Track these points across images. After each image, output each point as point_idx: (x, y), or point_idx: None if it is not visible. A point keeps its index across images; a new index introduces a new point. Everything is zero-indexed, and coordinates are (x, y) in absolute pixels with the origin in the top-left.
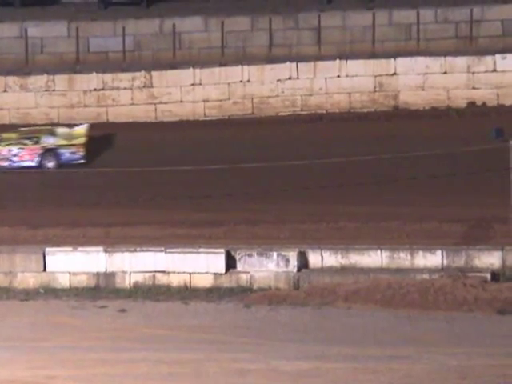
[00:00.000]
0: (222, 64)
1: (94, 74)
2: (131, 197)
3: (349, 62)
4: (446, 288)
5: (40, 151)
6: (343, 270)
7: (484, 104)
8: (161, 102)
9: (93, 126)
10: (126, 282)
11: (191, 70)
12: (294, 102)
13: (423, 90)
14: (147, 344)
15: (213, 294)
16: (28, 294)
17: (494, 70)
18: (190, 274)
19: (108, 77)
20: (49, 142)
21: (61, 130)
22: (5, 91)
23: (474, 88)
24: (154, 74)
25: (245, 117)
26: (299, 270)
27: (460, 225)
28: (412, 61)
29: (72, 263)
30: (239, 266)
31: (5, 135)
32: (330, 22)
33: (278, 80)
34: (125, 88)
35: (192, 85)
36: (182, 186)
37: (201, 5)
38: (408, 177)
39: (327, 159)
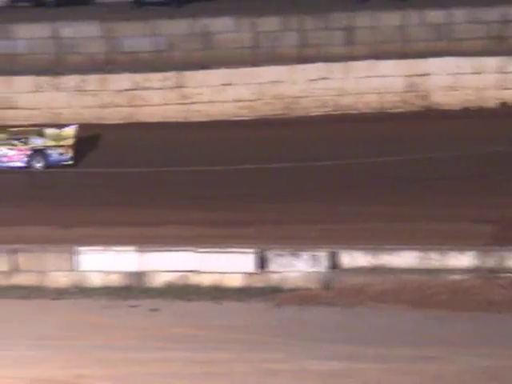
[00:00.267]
0: (253, 64)
1: (126, 74)
2: (161, 197)
3: (380, 62)
4: (475, 289)
5: (28, 152)
6: (373, 270)
7: None
8: (192, 102)
9: (122, 126)
10: (158, 282)
11: (222, 70)
12: (324, 102)
13: (454, 90)
14: (178, 343)
15: (243, 293)
16: (59, 293)
17: None
18: (221, 273)
19: (139, 77)
20: (37, 142)
21: (49, 131)
22: (37, 91)
23: (505, 88)
24: (185, 74)
25: (276, 117)
26: (329, 270)
27: (491, 225)
28: (443, 61)
29: (104, 262)
30: (270, 266)
31: None
32: (361, 22)
33: (309, 80)
34: (156, 88)
35: (223, 85)
36: (213, 185)
37: (232, 5)
38: (438, 177)
39: (357, 159)
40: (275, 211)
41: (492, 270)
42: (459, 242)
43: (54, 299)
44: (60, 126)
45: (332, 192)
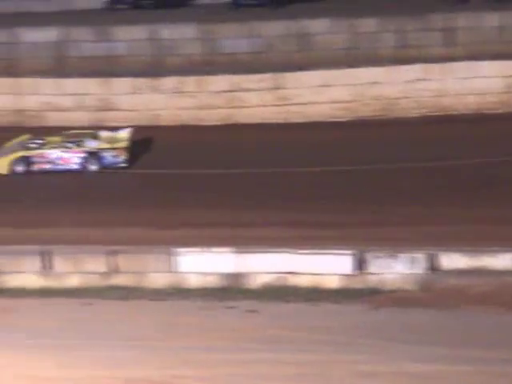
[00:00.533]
0: (350, 65)
1: (224, 75)
2: (257, 198)
3: (478, 63)
4: None
5: (83, 154)
6: (472, 272)
7: None
8: (290, 104)
9: (220, 127)
10: (255, 283)
11: (320, 71)
12: (423, 103)
13: None
14: (275, 345)
15: (341, 295)
16: (157, 294)
17: None
18: (319, 275)
19: (237, 78)
20: (91, 145)
21: (104, 134)
22: (135, 93)
23: None
24: (283, 75)
25: (373, 118)
26: (428, 271)
27: None
28: None
29: (201, 264)
30: (367, 268)
31: (49, 139)
32: (460, 22)
33: (408, 81)
34: (254, 89)
35: (320, 86)
36: (308, 186)
37: (329, 6)
38: None
39: (455, 161)
40: (371, 212)
41: None
42: None
43: (151, 300)
44: (115, 129)
45: (429, 193)
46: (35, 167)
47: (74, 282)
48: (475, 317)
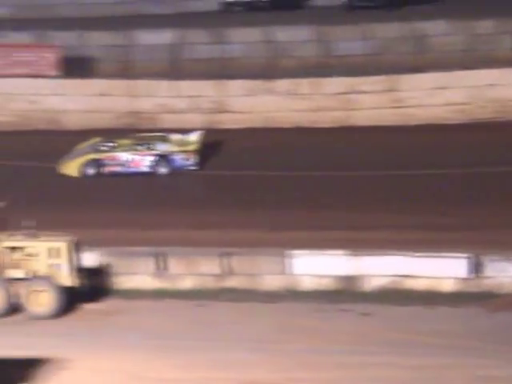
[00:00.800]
0: (466, 67)
1: (338, 77)
2: (371, 200)
3: None
4: None
5: (153, 157)
6: None
7: None
8: (404, 106)
9: (335, 130)
10: (370, 286)
11: (435, 73)
12: None
13: None
14: (390, 348)
15: (457, 298)
16: (271, 296)
17: None
18: (434, 278)
19: (352, 80)
20: (161, 148)
21: (174, 137)
22: (250, 95)
23: None
24: (398, 77)
25: (490, 120)
26: None
27: None
28: None
29: (316, 266)
30: (484, 271)
31: (120, 141)
32: None
33: None
34: (368, 92)
35: (436, 88)
36: (423, 189)
37: (445, 7)
38: None
39: None
40: (487, 215)
41: None
42: None
43: (265, 302)
44: (185, 132)
45: None
46: (106, 170)
47: (187, 283)
48: None
